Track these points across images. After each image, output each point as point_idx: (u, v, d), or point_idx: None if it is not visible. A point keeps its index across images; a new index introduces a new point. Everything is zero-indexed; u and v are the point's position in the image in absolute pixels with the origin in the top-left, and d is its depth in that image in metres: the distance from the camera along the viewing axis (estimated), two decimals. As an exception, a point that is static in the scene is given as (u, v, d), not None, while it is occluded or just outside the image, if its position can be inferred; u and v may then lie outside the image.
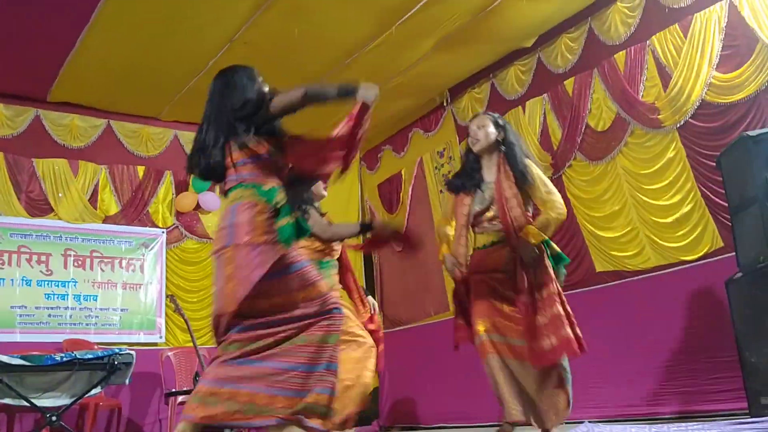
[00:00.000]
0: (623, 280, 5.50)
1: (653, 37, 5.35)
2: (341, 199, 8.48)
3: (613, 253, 5.59)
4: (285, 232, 2.60)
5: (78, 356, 4.68)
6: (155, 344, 7.03)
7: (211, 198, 7.55)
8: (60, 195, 6.87)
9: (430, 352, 7.20)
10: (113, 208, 7.18)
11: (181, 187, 7.56)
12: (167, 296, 6.87)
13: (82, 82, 6.63)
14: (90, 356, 4.74)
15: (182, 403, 6.35)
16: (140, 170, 7.38)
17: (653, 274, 5.28)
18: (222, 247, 2.60)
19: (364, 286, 8.35)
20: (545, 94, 6.25)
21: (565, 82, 6.06)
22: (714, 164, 4.55)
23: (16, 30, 5.69)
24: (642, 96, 5.41)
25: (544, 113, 6.24)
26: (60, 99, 6.97)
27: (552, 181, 6.06)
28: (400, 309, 7.95)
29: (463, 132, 7.06)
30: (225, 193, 2.75)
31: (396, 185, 8.08)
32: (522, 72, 6.55)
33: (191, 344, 6.23)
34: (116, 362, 4.75)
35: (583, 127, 5.85)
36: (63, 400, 4.67)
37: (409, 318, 7.77)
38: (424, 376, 7.29)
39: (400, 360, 7.69)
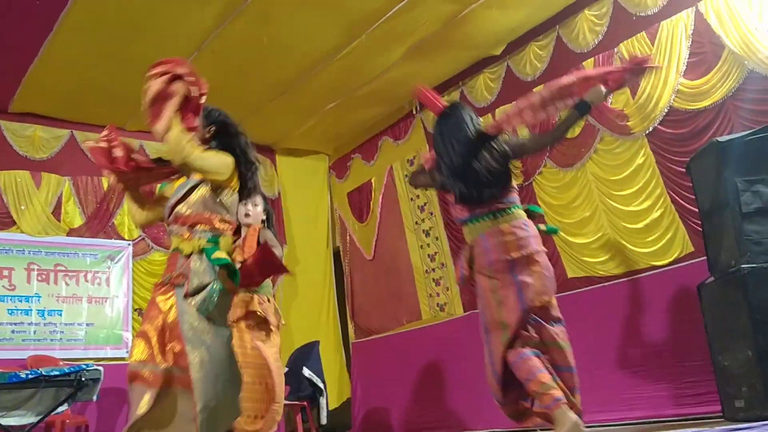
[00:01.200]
0: (595, 286, 5.53)
1: (621, 44, 5.40)
2: (310, 208, 8.43)
3: (584, 259, 5.62)
4: None
5: (44, 373, 4.57)
6: (122, 359, 6.88)
7: (178, 209, 7.44)
8: (22, 207, 6.69)
9: (403, 361, 7.17)
10: (77, 221, 7.02)
11: (147, 198, 7.43)
12: (135, 310, 6.74)
13: (44, 92, 6.49)
14: (56, 373, 4.64)
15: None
16: (105, 181, 7.23)
17: (624, 279, 5.32)
18: (534, 251, 3.37)
19: (335, 296, 8.34)
20: (514, 102, 6.26)
21: (533, 90, 6.08)
22: (683, 170, 4.61)
23: (-24, 39, 5.55)
24: (611, 103, 5.45)
25: (514, 121, 6.26)
26: (22, 109, 6.81)
27: (523, 188, 6.15)
28: (372, 318, 7.90)
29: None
30: (497, 213, 3.44)
31: (366, 194, 8.03)
32: (491, 80, 6.57)
33: (160, 358, 6.10)
34: (83, 378, 4.66)
35: (553, 134, 5.87)
36: (29, 419, 4.56)
37: (381, 327, 7.72)
38: (396, 386, 7.25)
39: (372, 369, 7.65)
